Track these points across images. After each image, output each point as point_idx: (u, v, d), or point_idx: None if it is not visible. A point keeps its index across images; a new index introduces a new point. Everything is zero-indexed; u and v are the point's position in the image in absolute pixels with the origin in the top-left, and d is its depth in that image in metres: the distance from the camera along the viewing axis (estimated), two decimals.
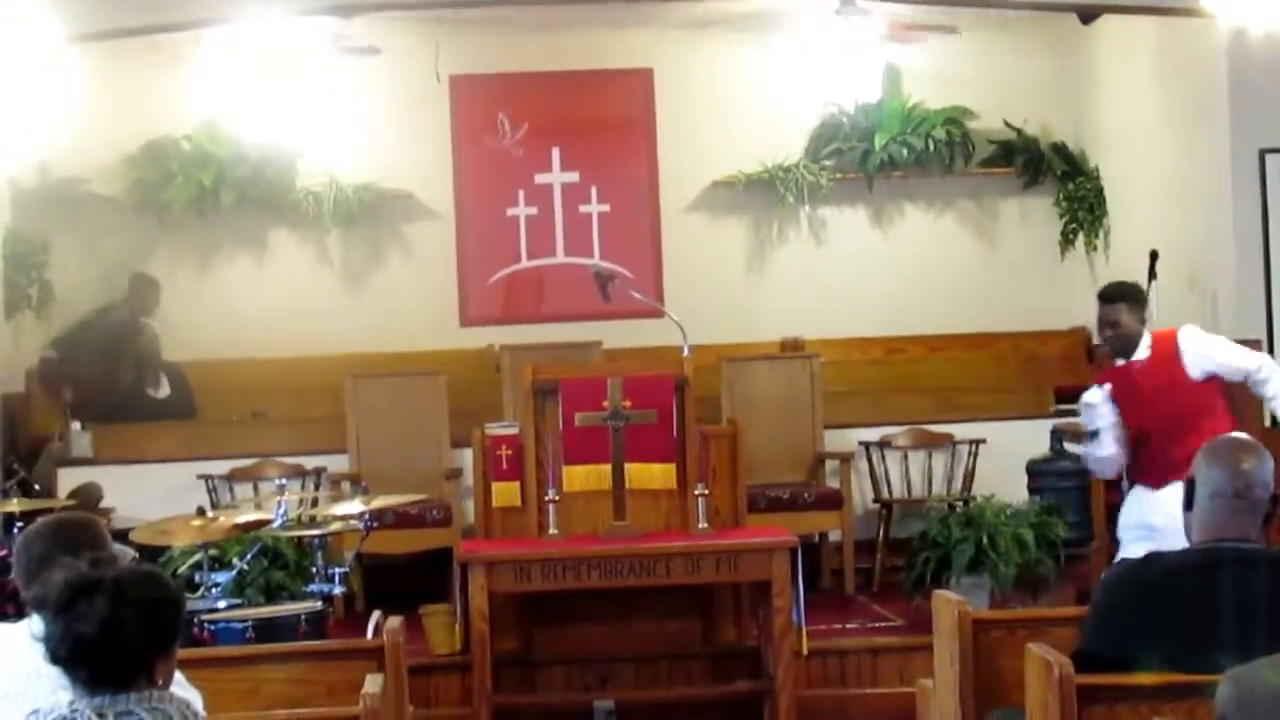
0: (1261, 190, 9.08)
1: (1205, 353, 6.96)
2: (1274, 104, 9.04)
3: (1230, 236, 9.08)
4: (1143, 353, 6.97)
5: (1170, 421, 6.82)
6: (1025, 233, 11.58)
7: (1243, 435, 4.68)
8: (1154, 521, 6.57)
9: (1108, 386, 7.00)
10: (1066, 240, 11.40)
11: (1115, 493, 8.22)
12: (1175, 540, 4.48)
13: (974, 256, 11.57)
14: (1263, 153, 9.07)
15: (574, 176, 11.34)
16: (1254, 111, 9.09)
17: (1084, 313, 11.36)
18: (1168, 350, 6.93)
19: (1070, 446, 8.71)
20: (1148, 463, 6.93)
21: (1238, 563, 4.13)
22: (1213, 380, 6.95)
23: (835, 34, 10.83)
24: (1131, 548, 6.61)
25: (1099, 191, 11.26)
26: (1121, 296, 7.03)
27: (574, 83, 11.32)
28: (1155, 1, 9.13)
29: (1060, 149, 11.47)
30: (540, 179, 11.33)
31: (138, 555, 6.15)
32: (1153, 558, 4.41)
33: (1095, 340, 7.13)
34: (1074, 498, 8.80)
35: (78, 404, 10.21)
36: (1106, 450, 7.07)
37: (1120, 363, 7.02)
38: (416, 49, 10.95)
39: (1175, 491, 4.63)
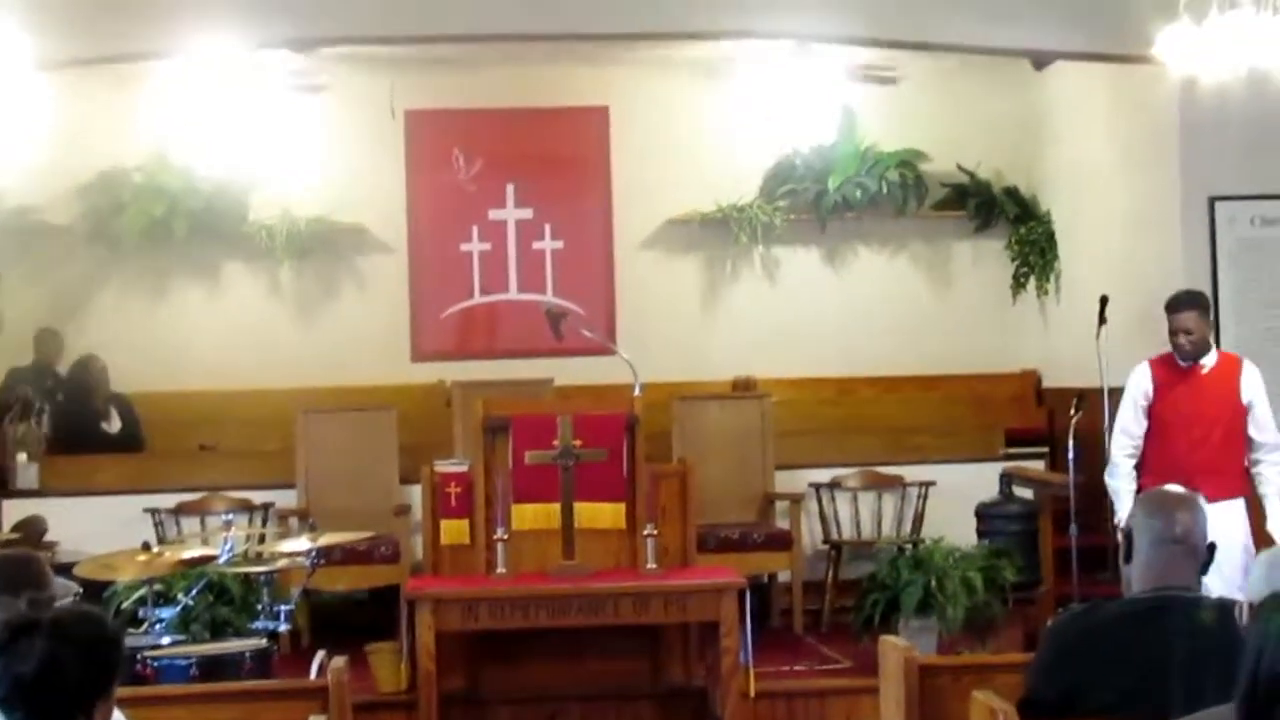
0: (1211, 237, 9.16)
1: (1257, 387, 7.38)
2: (1224, 152, 9.12)
3: (1180, 282, 9.10)
4: (1211, 359, 7.40)
5: (1216, 426, 7.25)
6: (977, 275, 11.64)
7: (1178, 488, 4.73)
8: None
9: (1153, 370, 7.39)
10: (1018, 283, 11.48)
11: (1064, 536, 8.25)
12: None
13: (926, 298, 11.61)
14: (1212, 200, 9.15)
15: (528, 213, 11.34)
16: (1204, 159, 9.17)
17: (1035, 355, 11.44)
18: (1232, 367, 7.41)
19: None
20: (1168, 465, 7.09)
21: (1182, 610, 4.14)
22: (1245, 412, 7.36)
23: (791, 76, 10.90)
24: None
25: (1050, 235, 11.33)
26: (1191, 304, 7.42)
27: (530, 119, 11.32)
28: (1107, 49, 9.19)
29: (1012, 193, 11.54)
30: (494, 215, 11.32)
31: (80, 590, 6.09)
32: (1099, 605, 4.42)
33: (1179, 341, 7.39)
34: (1022, 541, 8.83)
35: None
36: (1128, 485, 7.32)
37: (1185, 365, 7.36)
38: (372, 83, 10.93)
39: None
